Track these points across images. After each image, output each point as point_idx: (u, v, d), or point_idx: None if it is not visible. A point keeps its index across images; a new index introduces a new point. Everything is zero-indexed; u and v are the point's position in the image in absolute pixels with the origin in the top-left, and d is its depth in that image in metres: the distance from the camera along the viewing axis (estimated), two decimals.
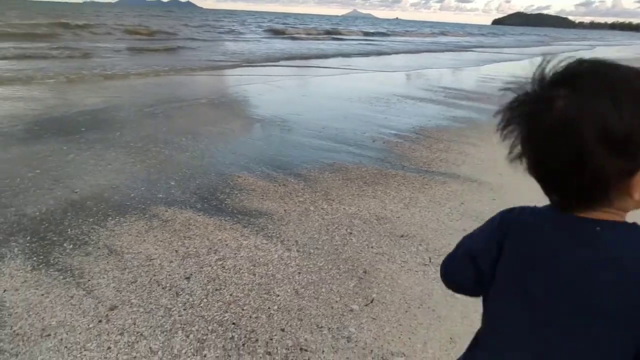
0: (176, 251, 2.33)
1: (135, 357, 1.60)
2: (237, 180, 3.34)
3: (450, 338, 1.76)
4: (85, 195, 2.97)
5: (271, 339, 1.72)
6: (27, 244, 2.33)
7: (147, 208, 2.82)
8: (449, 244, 2.50)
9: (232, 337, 1.72)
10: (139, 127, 4.69)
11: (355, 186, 3.33)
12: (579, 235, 0.57)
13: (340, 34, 28.15)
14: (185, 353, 1.63)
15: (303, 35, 24.42)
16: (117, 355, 1.61)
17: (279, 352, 1.65)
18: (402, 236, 2.60)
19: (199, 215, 2.75)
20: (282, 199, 3.04)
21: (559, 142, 0.52)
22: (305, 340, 1.72)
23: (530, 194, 2.40)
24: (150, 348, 1.65)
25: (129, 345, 1.65)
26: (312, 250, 2.39)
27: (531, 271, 0.61)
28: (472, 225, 2.56)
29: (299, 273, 2.17)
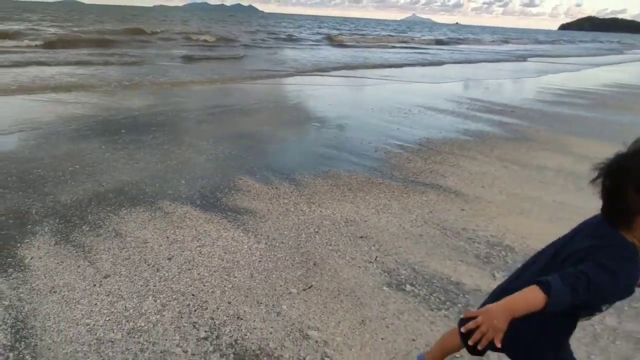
0: (167, 237, 2.87)
1: (112, 312, 2.14)
2: (237, 182, 3.86)
3: (362, 321, 2.17)
4: (109, 189, 3.60)
5: (218, 308, 2.21)
6: (56, 225, 2.96)
7: (155, 202, 3.39)
8: (400, 247, 2.90)
9: (188, 305, 2.22)
10: (170, 131, 5.34)
11: (339, 192, 3.76)
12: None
13: (394, 42, 28.32)
14: (149, 312, 2.15)
15: (355, 44, 24.85)
16: (100, 309, 2.15)
17: (220, 318, 2.14)
18: (361, 237, 3.01)
19: (195, 210, 3.29)
20: (270, 200, 3.53)
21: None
22: (244, 312, 2.19)
23: (499, 208, 2.90)
24: (125, 307, 2.18)
25: (110, 304, 2.20)
26: (277, 244, 2.86)
27: None
28: (428, 231, 2.96)
29: (259, 261, 2.65)
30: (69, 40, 15.52)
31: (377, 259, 2.72)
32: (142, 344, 1.93)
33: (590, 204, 3.12)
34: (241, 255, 2.69)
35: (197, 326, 2.06)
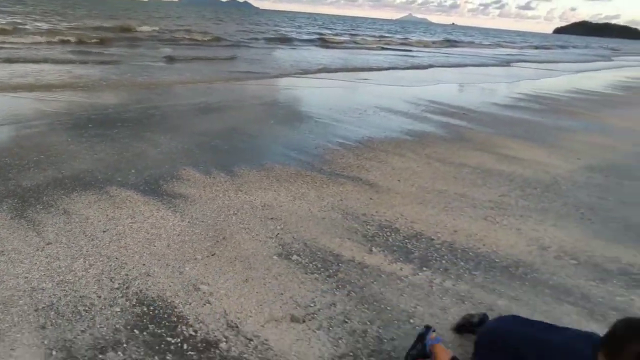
0: (107, 215, 3.44)
1: (47, 269, 2.71)
2: (180, 173, 4.43)
3: (246, 279, 2.75)
4: (67, 175, 4.16)
5: (133, 268, 2.78)
6: (14, 204, 3.52)
7: (104, 187, 3.96)
8: (301, 227, 3.48)
9: (110, 265, 2.79)
10: (134, 127, 5.89)
11: (267, 182, 4.34)
12: None
13: (385, 43, 28.75)
14: (77, 270, 2.72)
15: (345, 45, 25.29)
16: (38, 267, 2.72)
17: (133, 275, 2.71)
18: (271, 218, 3.59)
19: (137, 194, 3.86)
20: (204, 188, 4.10)
21: None
22: (154, 271, 2.77)
23: (404, 198, 3.62)
24: (59, 266, 2.75)
25: (47, 264, 2.77)
26: (197, 222, 3.43)
27: None
28: (332, 215, 3.55)
29: (178, 235, 3.22)
30: (54, 35, 15.96)
31: (278, 235, 3.30)
32: (67, 291, 2.50)
33: (485, 196, 3.80)
34: (164, 230, 3.26)
35: (112, 280, 2.63)
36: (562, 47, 50.24)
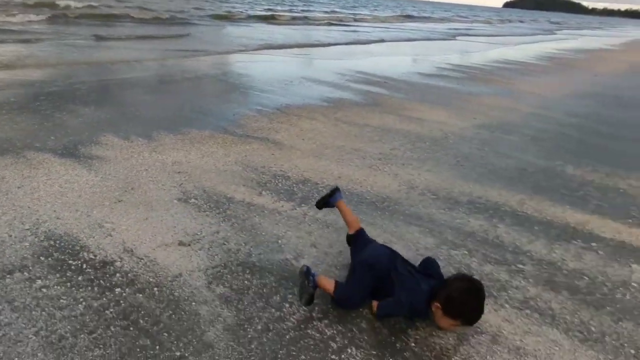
0: (22, 174, 3.78)
1: None
2: (100, 138, 4.78)
3: (146, 218, 3.22)
4: None
5: (44, 214, 3.18)
6: None
7: (22, 152, 4.27)
8: (204, 178, 3.96)
9: (23, 213, 3.18)
10: (57, 99, 6.11)
11: (181, 144, 4.76)
12: None
13: (338, 19, 28.68)
14: None
15: (295, 22, 25.22)
16: None
17: (43, 219, 3.11)
18: (178, 172, 4.05)
19: (54, 157, 4.20)
20: (121, 150, 4.48)
21: None
22: (64, 215, 3.17)
23: (303, 153, 4.16)
24: None
25: None
26: (110, 177, 3.84)
27: None
28: (233, 168, 4.05)
29: (90, 187, 3.63)
30: None
31: (182, 185, 3.78)
32: None
33: (377, 150, 4.38)
34: (77, 185, 3.66)
35: (23, 223, 3.04)
36: (509, 21, 52.10)
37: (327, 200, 2.94)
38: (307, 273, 2.35)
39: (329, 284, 2.32)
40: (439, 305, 2.07)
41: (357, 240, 2.62)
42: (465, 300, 2.06)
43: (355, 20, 30.44)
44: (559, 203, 3.85)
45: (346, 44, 16.87)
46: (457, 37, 23.08)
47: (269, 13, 27.73)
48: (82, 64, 9.01)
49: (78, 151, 4.34)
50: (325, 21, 26.88)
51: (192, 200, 3.48)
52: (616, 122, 7.02)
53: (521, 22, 55.20)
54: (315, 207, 3.04)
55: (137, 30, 15.58)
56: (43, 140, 4.56)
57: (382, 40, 18.90)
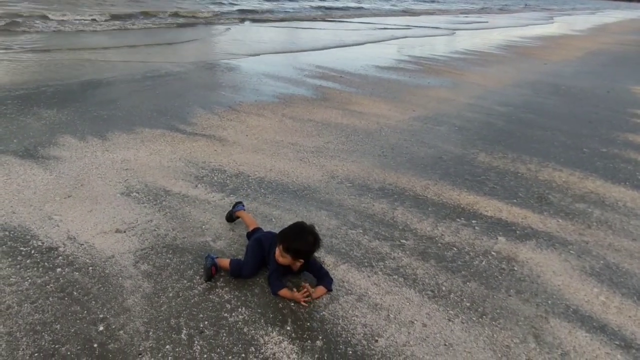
0: None
1: None
2: (59, 140, 5.25)
3: (90, 210, 3.76)
4: None
5: (6, 212, 3.70)
6: None
7: None
8: (149, 174, 4.48)
9: None
10: (24, 102, 6.52)
11: (133, 143, 5.27)
12: None
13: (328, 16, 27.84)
14: None
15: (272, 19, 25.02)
16: None
17: (3, 218, 3.64)
18: (126, 169, 4.57)
19: (15, 158, 4.67)
20: (76, 150, 4.98)
21: None
22: (19, 210, 3.69)
23: (243, 149, 4.74)
24: None
25: None
26: (63, 176, 4.35)
27: None
28: (176, 164, 4.60)
29: (44, 185, 4.14)
30: None
31: (127, 180, 4.30)
32: None
33: (312, 144, 4.96)
34: (34, 183, 4.17)
35: None
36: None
37: (231, 214, 3.56)
38: (207, 257, 2.99)
39: (224, 263, 2.92)
40: (279, 246, 2.72)
41: (254, 233, 3.21)
42: (292, 235, 2.70)
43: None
44: (458, 187, 4.47)
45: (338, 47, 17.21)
46: (456, 31, 23.38)
47: (248, 10, 27.06)
48: (52, 66, 9.37)
49: (37, 152, 4.82)
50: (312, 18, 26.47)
51: (134, 193, 4.02)
52: (542, 111, 7.67)
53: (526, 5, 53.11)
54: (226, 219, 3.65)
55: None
56: (6, 142, 5.03)
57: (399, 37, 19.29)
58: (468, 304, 2.79)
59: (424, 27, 22.77)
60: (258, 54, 12.48)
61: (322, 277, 2.84)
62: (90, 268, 2.96)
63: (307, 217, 3.74)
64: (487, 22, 28.93)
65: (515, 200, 4.24)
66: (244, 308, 2.67)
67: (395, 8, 35.74)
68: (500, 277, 3.07)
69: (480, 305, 2.77)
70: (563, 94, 9.07)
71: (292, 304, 2.71)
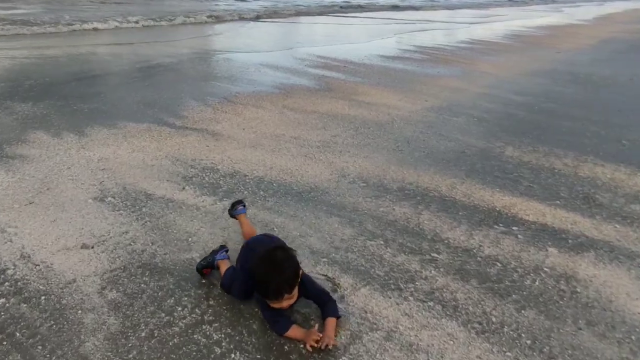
0: None
1: None
2: (29, 136, 4.59)
3: (54, 220, 3.09)
4: None
5: None
6: None
7: None
8: (128, 174, 3.83)
9: None
10: None
11: (113, 139, 4.60)
12: None
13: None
14: None
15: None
16: None
17: None
18: (102, 169, 3.91)
19: None
20: (47, 148, 4.31)
21: None
22: None
23: (239, 144, 3.97)
24: None
25: None
26: (27, 178, 3.69)
27: None
28: (162, 163, 3.92)
29: (4, 190, 3.48)
30: None
31: (102, 182, 3.64)
32: None
33: (318, 137, 4.24)
34: None
35: None
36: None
37: (231, 212, 2.94)
38: (214, 251, 2.54)
39: (223, 267, 2.40)
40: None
41: None
42: (261, 278, 2.05)
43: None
44: (490, 186, 3.82)
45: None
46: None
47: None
48: (34, 59, 8.70)
49: (2, 151, 4.18)
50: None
51: (109, 198, 3.36)
52: (565, 100, 7.01)
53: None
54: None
55: None
56: None
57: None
58: (529, 342, 2.15)
59: (427, 20, 22.10)
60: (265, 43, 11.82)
61: (325, 303, 2.20)
62: (43, 298, 2.31)
63: (315, 225, 3.10)
64: (491, 14, 28.20)
65: (558, 202, 3.59)
66: (238, 353, 2.03)
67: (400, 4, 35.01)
68: (561, 302, 2.42)
69: (545, 344, 2.13)
70: (583, 82, 8.40)
71: (302, 346, 2.06)
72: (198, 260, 2.63)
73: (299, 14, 19.29)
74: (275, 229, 3.06)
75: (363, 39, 13.65)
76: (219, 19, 15.54)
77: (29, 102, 5.74)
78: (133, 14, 14.40)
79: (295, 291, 2.06)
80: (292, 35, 14.37)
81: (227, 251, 2.58)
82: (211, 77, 7.54)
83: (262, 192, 3.56)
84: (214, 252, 2.56)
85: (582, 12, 34.12)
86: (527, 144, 4.90)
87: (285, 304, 2.05)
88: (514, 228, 3.19)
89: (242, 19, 15.96)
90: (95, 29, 12.25)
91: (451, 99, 6.68)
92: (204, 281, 2.49)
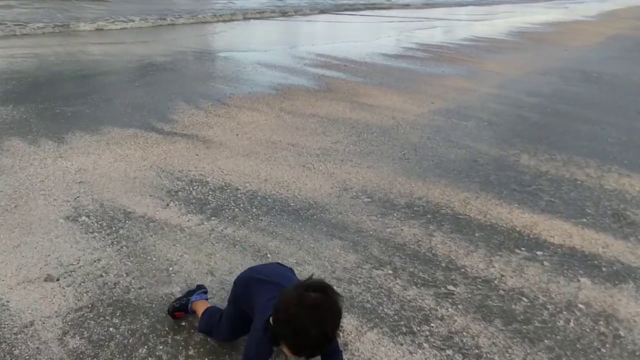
0: None
1: None
2: (3, 144, 4.22)
3: (18, 245, 2.71)
4: None
5: None
6: None
7: None
8: (107, 188, 3.45)
9: None
10: None
11: (95, 147, 4.22)
12: None
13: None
14: None
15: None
16: None
17: None
18: (80, 182, 3.53)
19: None
20: (21, 158, 3.93)
21: None
22: None
23: (232, 152, 3.53)
24: None
25: None
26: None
27: None
28: (146, 174, 3.52)
29: None
30: None
31: (77, 198, 3.27)
32: None
33: (317, 144, 3.83)
34: None
35: None
36: None
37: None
38: (190, 292, 2.18)
39: (201, 308, 2.02)
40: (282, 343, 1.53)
41: None
42: (289, 315, 1.44)
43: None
44: (507, 201, 3.45)
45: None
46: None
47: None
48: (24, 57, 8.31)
49: None
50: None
51: (83, 218, 2.99)
52: (579, 101, 6.64)
53: None
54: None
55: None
56: None
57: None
58: None
59: (427, 18, 21.68)
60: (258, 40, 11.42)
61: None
62: None
63: (313, 250, 2.72)
64: (491, 10, 27.78)
65: (584, 220, 3.21)
66: None
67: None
68: (603, 349, 2.05)
69: None
70: (595, 81, 8.02)
71: None
72: (178, 295, 2.24)
73: (306, 12, 18.86)
74: (268, 255, 2.69)
75: (363, 36, 13.24)
76: (219, 19, 15.12)
77: (9, 104, 5.36)
78: (130, 13, 14.00)
79: None
80: (291, 34, 13.96)
81: (205, 292, 2.20)
82: (205, 76, 7.16)
83: (254, 210, 3.18)
84: (190, 293, 2.18)
85: (585, 8, 33.68)
86: (544, 151, 4.52)
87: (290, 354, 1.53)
88: (538, 253, 2.81)
89: (245, 18, 15.54)
90: (90, 30, 11.85)
91: (458, 101, 6.30)
92: (183, 323, 2.11)
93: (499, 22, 19.71)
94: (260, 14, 15.64)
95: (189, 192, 3.41)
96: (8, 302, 2.24)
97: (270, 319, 1.52)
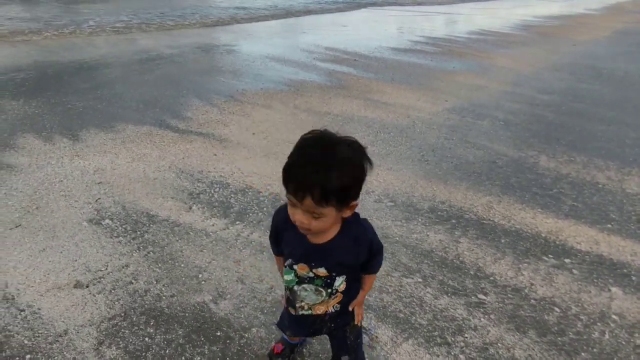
0: None
1: None
2: (17, 141, 4.18)
3: (43, 249, 2.69)
4: None
5: None
6: None
7: None
8: (127, 190, 3.42)
9: None
10: None
11: (111, 145, 4.19)
12: None
13: None
14: None
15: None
16: None
17: None
18: (99, 183, 3.50)
19: None
20: (37, 156, 3.90)
21: None
22: None
23: (250, 152, 3.49)
24: None
25: None
26: (15, 194, 3.28)
27: None
28: (165, 175, 3.49)
29: None
30: None
31: (99, 200, 3.24)
32: None
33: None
34: None
35: None
36: None
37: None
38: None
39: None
40: None
41: None
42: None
43: None
44: (530, 205, 3.42)
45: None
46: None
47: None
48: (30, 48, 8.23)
49: None
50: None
51: (106, 221, 2.96)
52: (593, 99, 6.59)
53: None
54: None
55: None
56: None
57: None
58: None
59: (428, 12, 21.52)
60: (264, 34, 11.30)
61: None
62: (28, 357, 1.90)
63: None
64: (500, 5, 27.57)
65: (609, 226, 3.19)
66: None
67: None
68: None
69: None
70: (607, 78, 7.96)
71: None
72: (210, 304, 2.23)
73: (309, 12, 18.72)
74: None
75: (371, 29, 13.13)
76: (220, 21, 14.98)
77: (20, 98, 5.32)
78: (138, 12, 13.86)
79: (329, 214, 1.25)
80: (298, 26, 13.84)
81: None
82: (215, 70, 7.10)
83: None
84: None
85: (590, 0, 33.41)
86: (562, 152, 4.49)
87: (298, 216, 1.28)
88: (566, 260, 2.79)
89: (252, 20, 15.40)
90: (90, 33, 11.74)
91: (472, 98, 6.25)
92: (218, 334, 2.09)
93: (503, 14, 19.55)
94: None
95: (210, 194, 3.38)
96: (40, 309, 2.22)
97: None
